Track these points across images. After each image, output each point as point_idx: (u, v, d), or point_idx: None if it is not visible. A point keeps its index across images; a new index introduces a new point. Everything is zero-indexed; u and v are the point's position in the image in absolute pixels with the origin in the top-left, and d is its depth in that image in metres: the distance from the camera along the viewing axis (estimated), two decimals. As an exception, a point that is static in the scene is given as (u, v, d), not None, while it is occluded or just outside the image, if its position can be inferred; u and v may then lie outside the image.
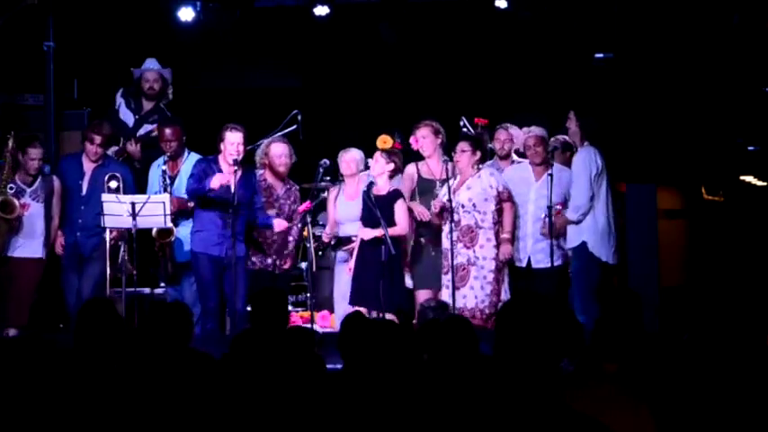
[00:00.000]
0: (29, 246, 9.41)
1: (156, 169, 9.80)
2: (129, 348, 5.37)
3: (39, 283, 9.45)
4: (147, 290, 9.87)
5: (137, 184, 9.70)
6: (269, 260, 9.59)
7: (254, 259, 9.55)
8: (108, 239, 9.26)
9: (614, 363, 4.62)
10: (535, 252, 9.35)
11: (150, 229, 9.44)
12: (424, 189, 9.49)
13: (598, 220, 9.08)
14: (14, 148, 9.38)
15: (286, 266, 9.72)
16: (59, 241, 9.48)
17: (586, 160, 9.06)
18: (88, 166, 9.60)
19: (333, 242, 9.75)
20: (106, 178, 9.45)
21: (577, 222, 9.12)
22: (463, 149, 9.26)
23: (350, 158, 9.63)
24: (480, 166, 9.33)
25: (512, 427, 3.47)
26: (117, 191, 9.41)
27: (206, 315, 9.03)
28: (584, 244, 9.06)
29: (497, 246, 9.15)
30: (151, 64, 10.65)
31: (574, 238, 9.14)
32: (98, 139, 9.53)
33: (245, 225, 9.31)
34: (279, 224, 9.32)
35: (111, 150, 10.05)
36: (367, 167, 9.59)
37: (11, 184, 9.34)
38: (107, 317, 5.39)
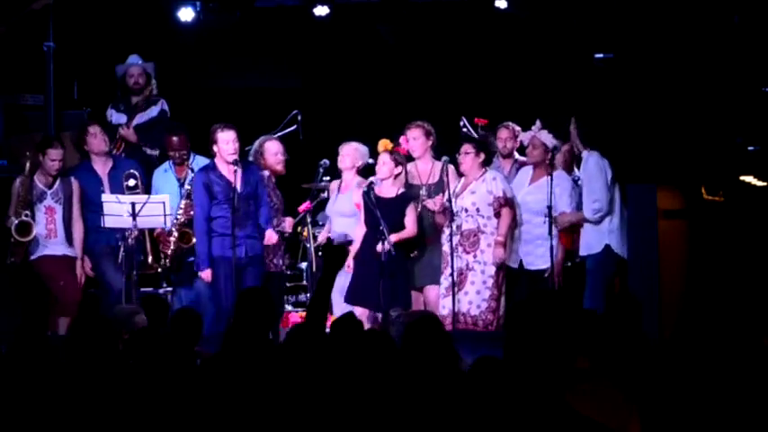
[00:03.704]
0: (64, 246, 9.43)
1: (165, 174, 9.81)
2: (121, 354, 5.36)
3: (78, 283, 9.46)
4: (149, 289, 9.88)
5: (147, 176, 9.77)
6: (266, 260, 9.58)
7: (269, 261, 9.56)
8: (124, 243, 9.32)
9: (586, 357, 4.62)
10: (526, 254, 9.34)
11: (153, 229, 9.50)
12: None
13: (616, 222, 9.20)
14: (33, 156, 9.40)
15: (282, 263, 9.71)
16: (87, 266, 9.50)
17: (600, 164, 9.13)
18: (102, 170, 9.65)
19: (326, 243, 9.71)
20: (123, 177, 9.48)
21: (594, 222, 9.17)
22: (467, 151, 9.26)
23: (346, 152, 9.59)
24: (486, 168, 9.31)
25: (518, 427, 3.48)
26: (136, 188, 9.45)
27: (219, 318, 8.98)
28: (607, 247, 9.14)
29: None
30: (134, 59, 10.63)
31: (595, 243, 9.18)
32: (95, 129, 9.59)
33: (257, 222, 9.27)
34: (269, 237, 9.26)
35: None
36: (369, 166, 9.58)
37: (35, 184, 9.36)
38: (99, 331, 5.38)
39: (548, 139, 9.41)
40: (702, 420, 4.59)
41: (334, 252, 5.08)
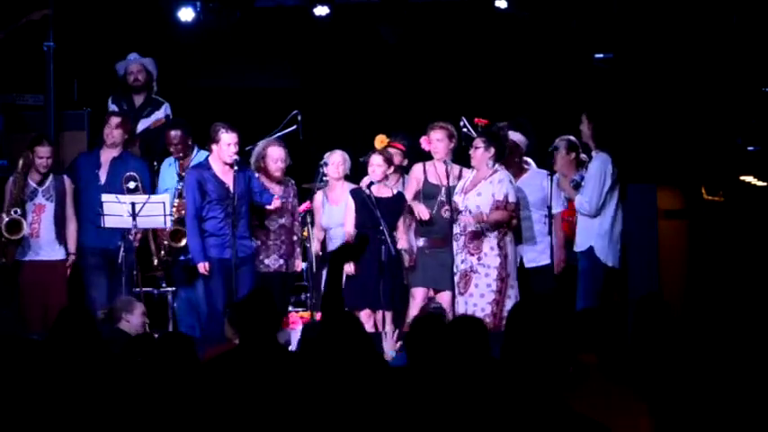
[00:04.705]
0: (47, 250, 9.41)
1: (169, 168, 9.84)
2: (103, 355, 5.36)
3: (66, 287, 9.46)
4: (150, 289, 9.89)
5: (152, 179, 9.77)
6: (281, 261, 9.56)
7: (266, 262, 9.53)
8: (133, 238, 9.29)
9: (592, 353, 4.62)
10: (526, 251, 9.38)
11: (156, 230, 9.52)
12: (430, 194, 9.42)
13: (606, 227, 9.17)
14: (26, 156, 9.42)
15: (298, 268, 9.68)
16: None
17: (602, 169, 9.15)
18: (105, 158, 9.69)
19: (320, 254, 9.68)
20: (124, 179, 9.46)
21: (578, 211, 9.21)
22: (477, 146, 9.26)
23: (338, 161, 9.57)
24: (496, 166, 9.26)
25: (517, 428, 3.47)
26: (135, 190, 9.44)
27: (212, 318, 8.98)
28: (591, 248, 9.13)
29: (501, 255, 9.12)
30: (133, 57, 10.64)
31: (582, 242, 9.22)
32: (115, 119, 9.64)
33: (250, 223, 9.29)
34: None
35: None
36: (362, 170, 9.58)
37: (27, 181, 9.36)
38: (82, 326, 5.38)
39: (516, 137, 9.50)
40: (703, 420, 4.59)
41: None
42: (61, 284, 9.41)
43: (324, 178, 9.93)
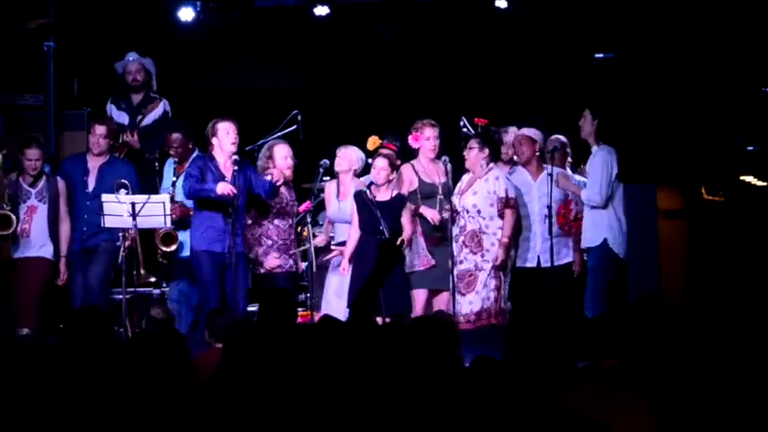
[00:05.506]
0: (37, 247, 9.41)
1: (169, 168, 9.87)
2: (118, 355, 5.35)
3: (47, 284, 9.46)
4: (148, 290, 9.88)
5: (140, 182, 9.72)
6: (291, 261, 9.55)
7: (280, 262, 9.51)
8: (123, 243, 9.26)
9: (615, 358, 4.61)
10: (544, 251, 9.39)
11: (153, 233, 9.50)
12: (428, 193, 9.40)
13: (617, 219, 9.23)
14: (11, 153, 9.43)
15: (300, 265, 9.68)
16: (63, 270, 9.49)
17: (607, 160, 9.24)
18: (93, 164, 9.65)
19: (324, 245, 9.67)
20: (115, 185, 9.43)
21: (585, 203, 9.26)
22: (471, 146, 9.29)
23: (344, 155, 9.55)
24: (491, 165, 9.28)
25: (517, 427, 3.48)
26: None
27: (205, 313, 8.99)
28: (605, 241, 9.18)
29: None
30: (131, 56, 10.64)
31: (594, 236, 9.25)
32: (100, 129, 9.59)
33: (244, 219, 9.30)
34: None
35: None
36: (366, 170, 9.56)
37: (19, 183, 9.37)
38: (97, 325, 5.38)
39: (532, 133, 9.51)
40: (703, 420, 4.59)
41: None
42: (38, 283, 9.41)
43: (324, 178, 9.93)
